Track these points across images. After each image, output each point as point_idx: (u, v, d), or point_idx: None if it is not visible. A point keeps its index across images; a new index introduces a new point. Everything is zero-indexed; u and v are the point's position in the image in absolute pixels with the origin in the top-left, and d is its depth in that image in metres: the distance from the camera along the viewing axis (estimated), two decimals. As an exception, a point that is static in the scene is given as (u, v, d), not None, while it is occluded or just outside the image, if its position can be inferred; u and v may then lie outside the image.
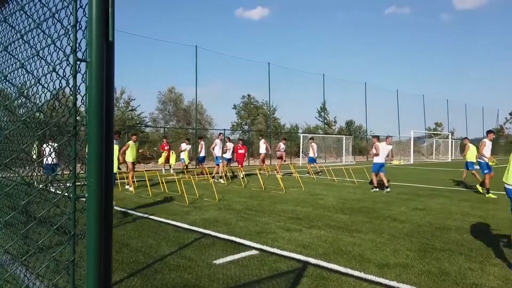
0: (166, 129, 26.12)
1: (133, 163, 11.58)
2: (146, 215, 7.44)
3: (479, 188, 11.46)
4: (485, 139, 10.85)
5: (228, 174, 15.80)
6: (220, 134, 15.56)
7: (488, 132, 10.98)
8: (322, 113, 37.79)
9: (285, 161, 18.01)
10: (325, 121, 38.30)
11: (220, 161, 14.33)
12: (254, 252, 5.06)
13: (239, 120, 37.31)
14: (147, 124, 28.30)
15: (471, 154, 12.51)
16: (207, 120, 34.71)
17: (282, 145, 17.28)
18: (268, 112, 34.96)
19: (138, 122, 25.91)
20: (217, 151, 14.31)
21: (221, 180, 13.79)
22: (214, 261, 4.66)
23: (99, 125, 1.31)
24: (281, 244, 5.45)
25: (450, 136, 40.59)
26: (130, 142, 11.35)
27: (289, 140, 31.40)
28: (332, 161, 30.68)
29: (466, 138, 13.37)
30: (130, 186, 10.98)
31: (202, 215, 7.49)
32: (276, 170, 16.96)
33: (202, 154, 16.27)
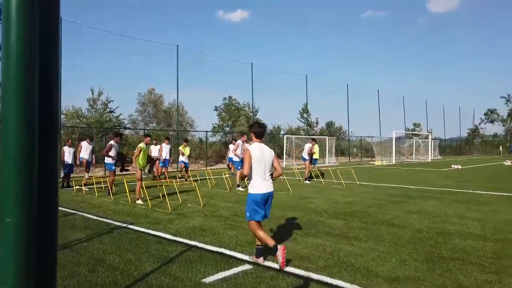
0: (146, 131, 25.24)
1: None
2: (125, 225, 6.79)
3: None
4: None
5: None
6: (243, 135, 13.83)
7: None
8: (305, 114, 37.56)
9: None
10: (307, 122, 38.09)
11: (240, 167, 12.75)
12: (247, 266, 4.53)
13: (221, 121, 36.68)
14: (126, 126, 27.33)
15: None
16: (188, 122, 33.94)
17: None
18: (251, 114, 34.48)
19: (116, 124, 24.93)
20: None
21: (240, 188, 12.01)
22: (203, 280, 4.10)
23: (19, 120, 0.76)
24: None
25: (430, 136, 41.08)
26: (142, 145, 9.61)
27: (271, 141, 30.99)
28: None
29: None
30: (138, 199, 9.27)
31: (186, 223, 6.90)
32: None
33: (166, 156, 15.15)
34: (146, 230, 6.38)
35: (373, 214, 7.84)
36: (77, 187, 11.69)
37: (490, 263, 4.65)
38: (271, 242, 4.57)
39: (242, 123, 34.52)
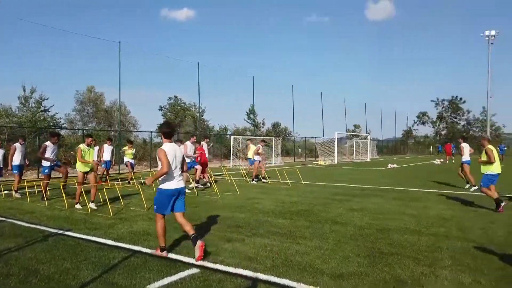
0: (85, 131, 23.88)
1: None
2: (61, 231, 6.34)
3: None
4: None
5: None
6: (193, 136, 13.52)
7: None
8: (251, 115, 37.83)
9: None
10: (254, 123, 38.40)
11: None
12: (194, 270, 4.42)
13: (166, 122, 35.81)
14: (63, 126, 25.66)
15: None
16: (131, 122, 32.72)
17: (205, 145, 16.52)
18: (197, 114, 34.03)
19: (52, 124, 23.29)
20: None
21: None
22: (148, 286, 3.93)
23: None
24: (224, 258, 4.88)
25: (369, 137, 43.30)
26: (82, 146, 8.96)
27: (218, 141, 30.82)
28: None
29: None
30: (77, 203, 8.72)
31: (129, 228, 6.61)
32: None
33: (108, 158, 14.34)
34: (85, 237, 6.01)
35: (317, 213, 8.06)
36: (6, 191, 10.74)
37: (425, 256, 4.97)
38: (162, 243, 4.99)
39: (189, 123, 33.99)
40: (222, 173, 17.38)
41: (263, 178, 14.80)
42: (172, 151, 5.01)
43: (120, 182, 12.89)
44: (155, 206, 5.12)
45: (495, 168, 8.57)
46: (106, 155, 14.16)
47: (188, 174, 12.41)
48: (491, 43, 53.15)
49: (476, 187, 11.77)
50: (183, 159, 5.28)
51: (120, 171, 19.10)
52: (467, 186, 12.70)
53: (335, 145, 34.57)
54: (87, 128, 26.73)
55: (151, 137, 24.84)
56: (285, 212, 8.18)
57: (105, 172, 14.45)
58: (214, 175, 14.49)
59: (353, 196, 10.75)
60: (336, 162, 32.80)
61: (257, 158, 14.88)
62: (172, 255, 4.99)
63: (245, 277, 4.21)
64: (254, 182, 14.45)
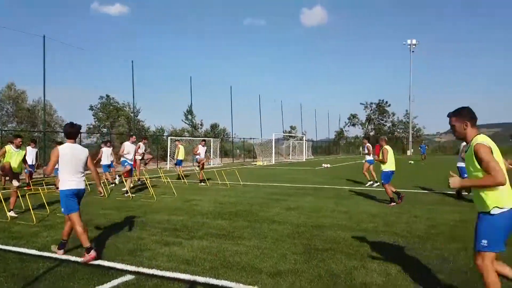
0: (3, 132, 21.78)
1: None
2: (-26, 243, 5.71)
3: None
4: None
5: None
6: (133, 136, 12.73)
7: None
8: (189, 116, 37.25)
9: (145, 164, 16.77)
10: (192, 124, 37.85)
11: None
12: (128, 277, 4.23)
13: (97, 122, 33.95)
14: (-23, 126, 23.18)
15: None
16: (58, 122, 30.56)
17: (142, 146, 15.99)
18: (131, 114, 32.73)
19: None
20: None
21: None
22: (78, 297, 3.68)
23: None
24: (161, 262, 4.73)
25: (304, 138, 44.83)
26: (9, 147, 8.24)
27: (155, 142, 29.89)
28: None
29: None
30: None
31: (56, 236, 6.13)
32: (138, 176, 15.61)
33: (32, 161, 13.18)
34: (3, 247, 5.47)
35: (256, 213, 8.15)
36: None
37: (356, 251, 5.24)
38: (86, 243, 4.82)
39: (122, 123, 32.55)
40: (158, 175, 16.88)
41: (202, 181, 14.62)
42: (69, 152, 4.99)
43: (45, 187, 11.94)
44: (63, 208, 5.04)
45: (390, 166, 9.42)
46: (29, 159, 13.02)
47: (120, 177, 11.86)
48: (413, 51, 57.84)
49: (378, 183, 12.94)
50: (88, 161, 5.20)
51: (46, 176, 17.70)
52: (370, 183, 13.78)
53: (273, 146, 35.30)
54: (6, 129, 24.42)
55: (80, 138, 23.33)
56: (224, 213, 8.16)
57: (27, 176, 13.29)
58: (150, 178, 14.02)
59: (289, 195, 11.04)
60: (273, 163, 33.48)
61: (199, 157, 14.70)
62: (104, 262, 4.73)
63: (183, 280, 4.12)
64: (202, 184, 14.19)
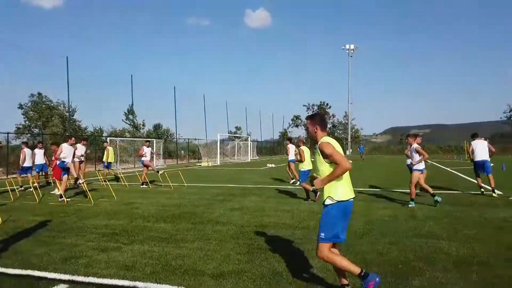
0: None
1: None
2: None
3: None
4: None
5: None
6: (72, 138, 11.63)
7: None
8: (130, 116, 35.86)
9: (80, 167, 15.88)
10: (133, 124, 36.49)
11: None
12: (62, 286, 3.97)
13: (28, 122, 31.51)
14: None
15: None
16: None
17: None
18: (66, 114, 30.83)
19: None
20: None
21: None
22: (3, 312, 3.39)
23: None
24: (98, 269, 4.50)
25: (249, 138, 45.19)
26: None
27: (93, 143, 28.41)
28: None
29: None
30: None
31: (-22, 246, 5.60)
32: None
33: None
34: None
35: (200, 214, 8.06)
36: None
37: (298, 248, 5.38)
38: None
39: (56, 123, 30.54)
40: (97, 177, 16.07)
41: (144, 183, 14.15)
42: None
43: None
44: None
45: (307, 165, 9.97)
46: None
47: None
48: (351, 56, 60.72)
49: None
50: None
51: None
52: (292, 181, 14.39)
53: (218, 147, 35.17)
54: None
55: (7, 139, 21.53)
56: (167, 216, 7.97)
57: None
58: (86, 181, 13.30)
59: (234, 196, 11.06)
60: (218, 163, 33.35)
61: (145, 159, 14.15)
62: (34, 272, 4.40)
63: (122, 287, 3.96)
64: (144, 186, 13.69)
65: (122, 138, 29.55)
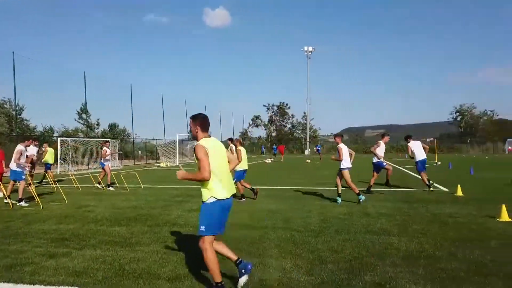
0: None
1: None
2: None
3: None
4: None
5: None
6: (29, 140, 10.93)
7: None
8: (84, 115, 34.41)
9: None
10: (87, 123, 35.05)
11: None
12: (4, 297, 3.73)
13: (-31, 120, 29.39)
14: None
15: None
16: None
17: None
18: (13, 112, 29.04)
19: None
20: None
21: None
22: None
23: None
24: (45, 276, 4.27)
25: (209, 138, 44.77)
26: None
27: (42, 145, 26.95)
28: (96, 166, 28.33)
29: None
30: None
31: None
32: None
33: None
34: None
35: (157, 216, 7.88)
36: None
37: (255, 248, 5.40)
38: None
39: (2, 122, 28.69)
40: (46, 180, 15.26)
41: (98, 183, 13.62)
42: None
43: None
44: None
45: (243, 165, 10.26)
46: None
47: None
48: (309, 58, 62.00)
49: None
50: None
51: None
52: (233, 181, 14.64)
53: (177, 147, 34.57)
54: None
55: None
56: (122, 218, 7.72)
57: None
58: (35, 183, 12.60)
59: (192, 196, 10.92)
60: (177, 164, 32.79)
61: (106, 161, 13.53)
62: (-27, 283, 4.10)
63: (71, 295, 3.78)
64: (111, 188, 13.13)
65: (75, 138, 28.31)
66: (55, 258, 4.99)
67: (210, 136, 3.97)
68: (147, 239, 6.00)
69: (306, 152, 60.78)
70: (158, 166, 29.96)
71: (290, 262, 4.71)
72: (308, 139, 64.06)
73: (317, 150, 43.42)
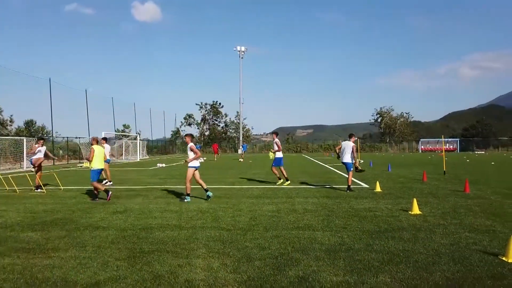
0: None
1: None
2: None
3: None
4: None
5: None
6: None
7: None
8: (-6, 110, 31.07)
9: None
10: (-2, 120, 31.72)
11: None
12: None
13: None
14: None
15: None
16: None
17: None
18: None
19: None
20: None
21: None
22: None
23: None
24: None
25: (138, 137, 43.10)
26: None
27: None
28: (9, 167, 25.79)
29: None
30: None
31: None
32: None
33: None
34: None
35: (77, 220, 7.38)
36: None
37: (183, 248, 5.29)
38: None
39: None
40: None
41: (39, 186, 12.38)
42: None
43: None
44: None
45: (98, 165, 10.33)
46: None
47: None
48: (242, 57, 62.52)
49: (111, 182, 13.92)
50: None
51: None
52: (105, 181, 14.40)
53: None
54: None
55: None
56: (36, 223, 7.10)
57: None
58: None
59: (118, 198, 10.40)
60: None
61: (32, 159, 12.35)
62: None
63: (-30, 310, 3.38)
64: (38, 191, 11.90)
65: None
66: (-48, 270, 4.43)
67: None
68: (64, 244, 5.58)
69: (239, 151, 61.24)
70: (81, 166, 28.11)
71: (218, 261, 4.69)
72: (241, 138, 64.56)
73: (243, 148, 43.75)
